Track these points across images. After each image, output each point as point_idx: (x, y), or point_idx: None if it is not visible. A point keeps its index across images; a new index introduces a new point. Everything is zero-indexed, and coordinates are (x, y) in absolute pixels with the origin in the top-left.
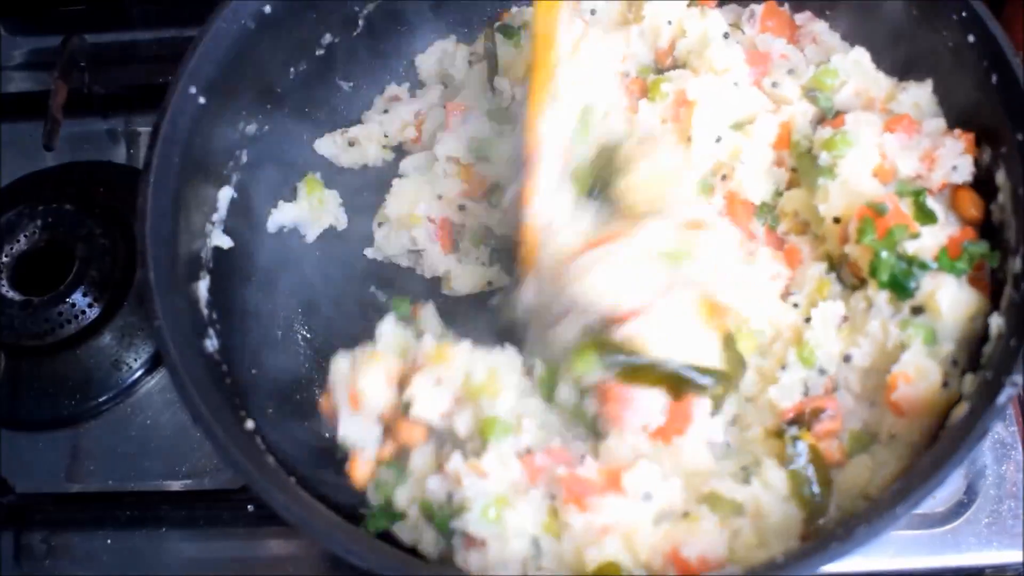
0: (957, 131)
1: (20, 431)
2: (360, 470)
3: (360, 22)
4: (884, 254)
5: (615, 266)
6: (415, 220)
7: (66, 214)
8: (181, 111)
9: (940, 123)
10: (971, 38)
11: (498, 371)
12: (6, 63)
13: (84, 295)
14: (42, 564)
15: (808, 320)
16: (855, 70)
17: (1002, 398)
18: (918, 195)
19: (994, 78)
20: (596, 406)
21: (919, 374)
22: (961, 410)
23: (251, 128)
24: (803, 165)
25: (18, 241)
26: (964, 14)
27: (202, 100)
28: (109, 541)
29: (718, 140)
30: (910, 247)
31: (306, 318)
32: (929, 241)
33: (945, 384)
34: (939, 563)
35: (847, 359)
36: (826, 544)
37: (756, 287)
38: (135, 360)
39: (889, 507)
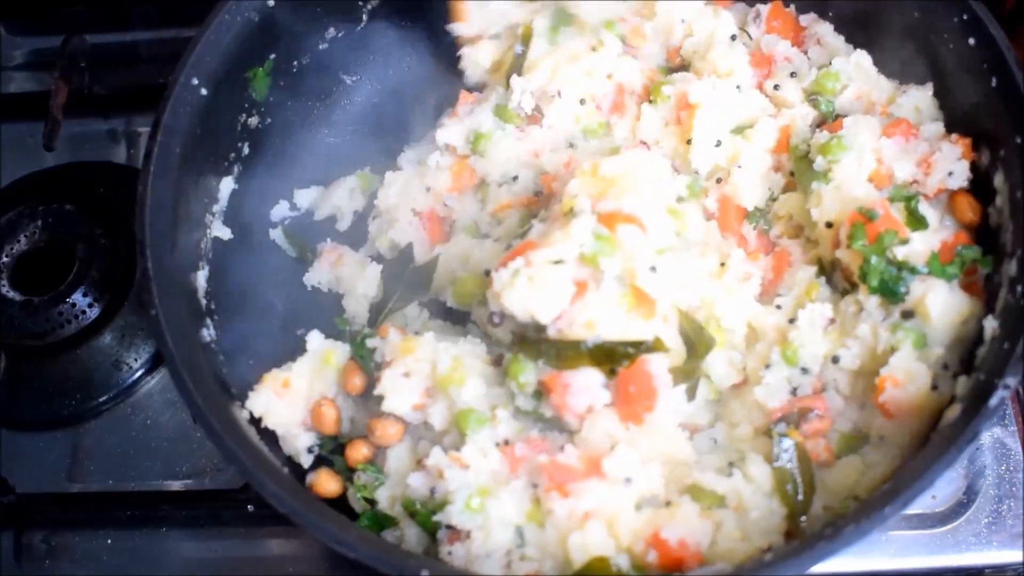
0: (955, 136)
1: (21, 431)
2: (326, 485)
3: (363, 16)
4: (874, 259)
5: (534, 277)
6: (401, 213)
7: (66, 214)
8: (183, 102)
9: (938, 127)
10: (972, 41)
11: (462, 359)
12: (6, 63)
13: (84, 295)
14: (42, 564)
15: (793, 321)
16: (856, 73)
17: (994, 400)
18: (909, 200)
19: (994, 81)
20: (550, 407)
21: (908, 377)
22: (953, 412)
23: (253, 120)
24: (800, 169)
25: (18, 241)
26: (965, 17)
27: (204, 91)
28: (109, 541)
29: (718, 144)
30: (900, 252)
31: (304, 310)
32: (921, 246)
33: (935, 387)
34: (939, 563)
35: (835, 360)
36: (813, 543)
37: (726, 286)
38: (135, 360)
39: (878, 508)
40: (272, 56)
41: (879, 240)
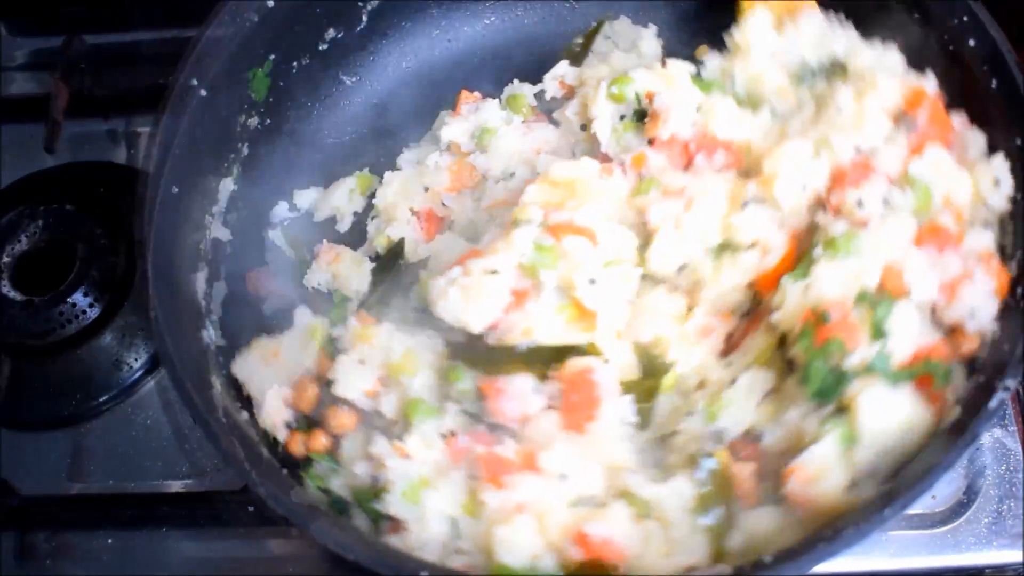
0: (996, 262)
1: (21, 431)
2: (295, 448)
3: (363, 17)
4: (817, 364)
5: (469, 286)
6: (399, 212)
7: (67, 214)
8: (183, 102)
9: (987, 239)
10: (972, 43)
11: (415, 351)
12: (7, 64)
13: (85, 295)
14: (43, 564)
15: (734, 382)
16: (934, 173)
17: (993, 403)
18: (875, 306)
19: (994, 83)
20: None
21: (821, 474)
22: (952, 414)
23: (253, 121)
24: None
25: (19, 241)
26: (965, 18)
27: (204, 92)
28: (110, 541)
29: (681, 268)
30: (849, 362)
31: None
32: (874, 353)
33: (854, 486)
34: (939, 563)
35: (758, 439)
36: (813, 544)
37: (684, 333)
38: (136, 360)
39: (878, 509)
40: (272, 56)
41: (826, 346)
